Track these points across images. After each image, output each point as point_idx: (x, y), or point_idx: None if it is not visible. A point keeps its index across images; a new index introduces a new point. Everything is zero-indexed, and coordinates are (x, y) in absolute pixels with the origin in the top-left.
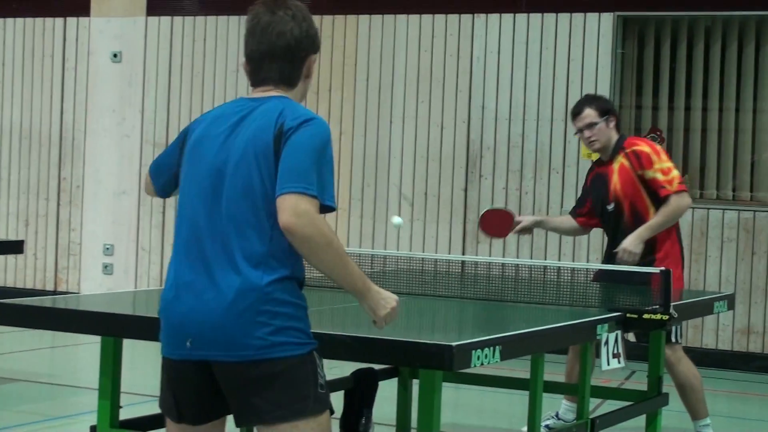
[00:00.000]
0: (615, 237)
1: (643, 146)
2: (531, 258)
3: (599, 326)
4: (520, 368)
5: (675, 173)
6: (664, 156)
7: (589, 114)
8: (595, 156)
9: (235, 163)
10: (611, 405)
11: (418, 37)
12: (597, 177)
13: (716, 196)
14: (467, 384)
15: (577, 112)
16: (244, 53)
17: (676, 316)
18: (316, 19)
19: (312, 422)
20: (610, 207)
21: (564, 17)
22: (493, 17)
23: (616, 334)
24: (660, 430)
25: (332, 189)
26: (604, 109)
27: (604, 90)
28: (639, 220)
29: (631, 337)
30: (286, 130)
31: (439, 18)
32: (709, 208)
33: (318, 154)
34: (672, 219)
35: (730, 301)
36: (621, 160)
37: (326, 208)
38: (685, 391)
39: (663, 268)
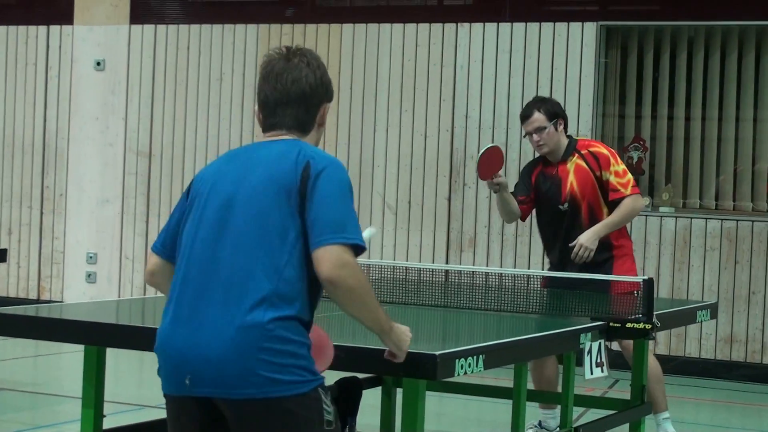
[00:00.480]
0: (567, 236)
1: (601, 148)
2: (515, 267)
3: (582, 335)
4: (504, 377)
5: (629, 176)
6: (619, 159)
7: (538, 118)
8: None
9: (247, 196)
10: (595, 414)
11: (401, 45)
12: (543, 176)
13: (699, 205)
14: (451, 393)
15: (525, 116)
16: (258, 99)
17: (659, 325)
18: (299, 27)
19: None
20: (564, 207)
21: (547, 26)
22: (477, 26)
23: (599, 343)
24: None
25: (359, 228)
26: (553, 112)
27: (587, 99)
28: (594, 219)
29: (615, 346)
30: (313, 171)
31: (423, 27)
32: (692, 217)
33: (350, 199)
34: (627, 219)
35: (713, 310)
36: (576, 161)
37: (359, 249)
38: (652, 381)
39: (646, 277)
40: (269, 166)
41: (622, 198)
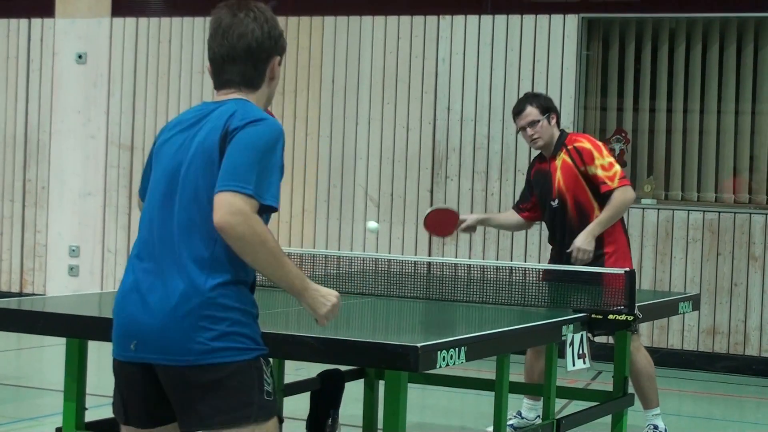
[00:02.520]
0: (561, 232)
1: (585, 142)
2: (497, 259)
3: (564, 327)
4: (486, 369)
5: (617, 168)
6: (605, 151)
7: (531, 112)
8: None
9: (186, 167)
10: (577, 405)
11: (383, 38)
12: (539, 173)
13: (681, 197)
14: (434, 385)
15: (518, 111)
16: (207, 56)
17: (640, 316)
18: (281, 20)
19: (256, 429)
20: (555, 203)
21: (529, 19)
22: (458, 19)
23: (582, 335)
24: (625, 430)
25: (276, 189)
26: (546, 106)
27: (569, 91)
28: (583, 215)
29: (602, 339)
30: (231, 130)
31: (405, 20)
32: (674, 209)
33: (261, 153)
34: (619, 213)
35: (695, 301)
36: (563, 157)
37: (267, 208)
38: (642, 378)
39: (627, 269)
40: (205, 136)
41: (611, 191)
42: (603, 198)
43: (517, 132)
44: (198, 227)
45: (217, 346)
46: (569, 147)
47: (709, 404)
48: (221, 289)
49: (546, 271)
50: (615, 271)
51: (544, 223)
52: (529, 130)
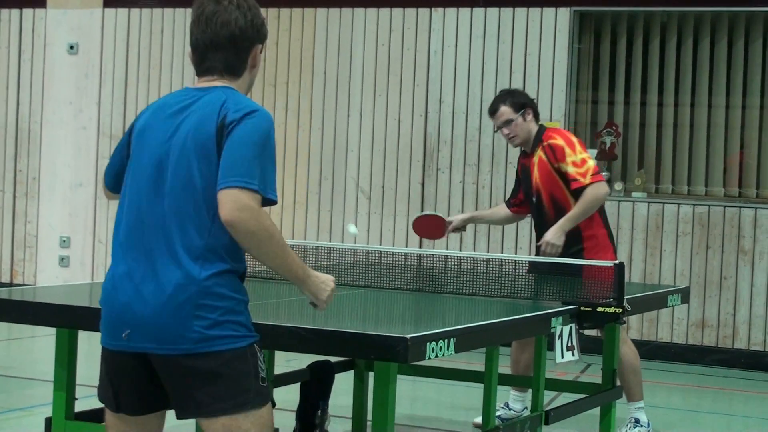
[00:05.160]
0: (540, 228)
1: (558, 139)
2: (488, 251)
3: (553, 319)
4: (476, 362)
5: (590, 164)
6: (578, 147)
7: (505, 111)
8: None
9: (177, 155)
10: (567, 398)
11: (375, 30)
12: (523, 168)
13: (671, 191)
14: (425, 377)
15: (493, 111)
16: (190, 42)
17: (629, 309)
18: (273, 11)
19: (253, 415)
20: (534, 199)
21: (521, 12)
22: (451, 11)
23: (570, 327)
24: (614, 423)
25: (274, 182)
26: (520, 103)
27: (560, 85)
28: (559, 210)
29: (592, 331)
30: (228, 122)
31: (397, 12)
32: (664, 203)
33: (260, 147)
34: (590, 209)
35: (684, 294)
36: (540, 153)
37: (268, 201)
38: (627, 371)
39: (617, 261)
40: (196, 125)
41: (583, 187)
42: (576, 194)
43: (494, 131)
44: (191, 216)
45: (212, 334)
46: (545, 143)
47: (698, 397)
48: (216, 278)
49: (532, 263)
50: (604, 264)
51: None
52: (505, 130)
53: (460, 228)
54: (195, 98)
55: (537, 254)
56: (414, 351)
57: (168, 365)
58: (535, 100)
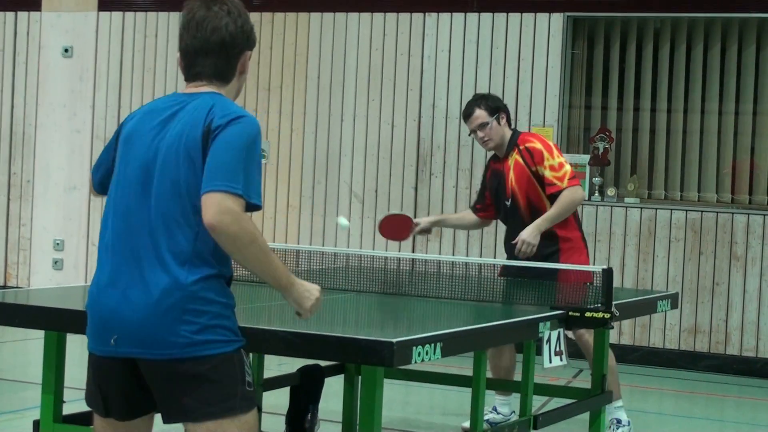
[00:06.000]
0: (514, 231)
1: (536, 143)
2: (480, 257)
3: (541, 324)
4: (467, 366)
5: (567, 168)
6: (556, 152)
7: (480, 115)
8: None
9: (163, 159)
10: (557, 403)
11: (369, 35)
12: (494, 173)
13: (664, 197)
14: (414, 381)
15: (467, 114)
16: (179, 48)
17: (617, 314)
18: (267, 15)
19: (239, 420)
20: (508, 202)
21: (515, 17)
22: (444, 16)
23: (558, 332)
24: (603, 428)
25: (259, 187)
26: (494, 107)
27: (554, 90)
28: (535, 214)
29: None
30: (214, 128)
31: (391, 16)
32: (657, 208)
33: (245, 152)
34: (567, 211)
35: (674, 300)
36: (515, 157)
37: (253, 207)
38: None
39: (605, 267)
40: (183, 130)
41: (560, 191)
42: (551, 198)
43: (469, 135)
44: (177, 221)
45: (200, 339)
46: (521, 147)
47: (690, 403)
48: (203, 283)
49: (504, 267)
50: (592, 269)
51: None
52: (479, 133)
53: (426, 231)
54: (183, 104)
55: (509, 254)
56: (400, 355)
57: (155, 370)
58: (529, 106)
